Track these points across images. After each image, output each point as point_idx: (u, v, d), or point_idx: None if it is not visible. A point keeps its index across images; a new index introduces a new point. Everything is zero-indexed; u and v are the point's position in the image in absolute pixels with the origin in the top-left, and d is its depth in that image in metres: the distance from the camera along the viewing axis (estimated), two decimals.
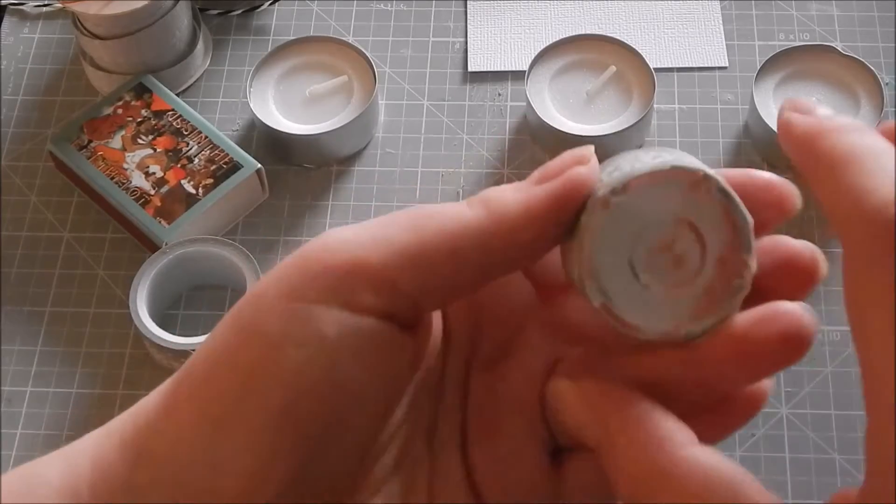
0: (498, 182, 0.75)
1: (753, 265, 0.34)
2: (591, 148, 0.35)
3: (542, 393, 0.37)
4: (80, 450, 0.36)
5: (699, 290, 0.34)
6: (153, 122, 0.74)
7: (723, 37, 0.81)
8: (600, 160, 0.36)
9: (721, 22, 0.81)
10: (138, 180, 0.72)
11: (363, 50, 0.77)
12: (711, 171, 0.34)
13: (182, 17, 0.78)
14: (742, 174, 0.35)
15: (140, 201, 0.71)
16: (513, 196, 0.34)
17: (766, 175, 0.35)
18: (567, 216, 0.34)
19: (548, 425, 0.37)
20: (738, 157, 0.75)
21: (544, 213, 0.34)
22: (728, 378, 0.34)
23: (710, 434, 0.34)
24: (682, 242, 0.34)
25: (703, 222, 0.34)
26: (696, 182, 0.34)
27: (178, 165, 0.72)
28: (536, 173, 0.35)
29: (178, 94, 0.78)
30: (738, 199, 0.34)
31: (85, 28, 0.77)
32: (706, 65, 0.79)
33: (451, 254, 0.34)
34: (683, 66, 0.79)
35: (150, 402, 0.35)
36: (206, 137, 0.73)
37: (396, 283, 0.33)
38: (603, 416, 0.34)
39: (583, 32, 0.78)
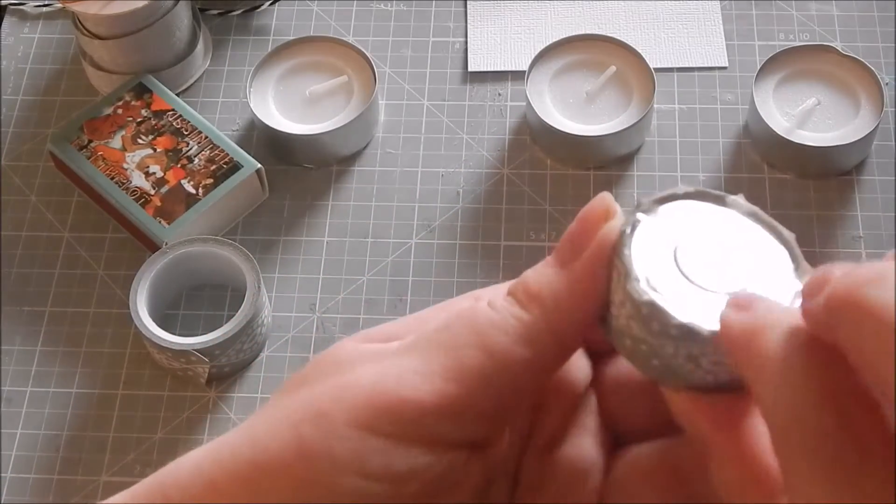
0: (498, 182, 0.75)
1: (802, 281, 0.32)
2: (609, 196, 0.34)
3: (597, 488, 0.36)
4: None
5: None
6: (153, 122, 0.74)
7: (723, 37, 0.80)
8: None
9: (721, 22, 0.81)
10: (138, 180, 0.72)
11: (363, 50, 0.77)
12: (742, 198, 0.33)
13: (182, 17, 0.78)
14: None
15: (140, 201, 0.71)
16: (559, 284, 0.33)
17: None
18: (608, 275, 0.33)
19: None
20: (738, 157, 0.75)
21: (594, 288, 0.33)
22: None
23: None
24: (715, 262, 0.32)
25: (739, 243, 0.33)
26: (721, 205, 0.33)
27: (178, 165, 0.72)
28: (566, 244, 0.34)
29: (178, 94, 0.78)
30: (765, 215, 0.33)
31: (85, 28, 0.77)
32: (706, 65, 0.79)
33: (527, 366, 0.33)
34: (683, 66, 0.79)
35: (181, 477, 0.34)
36: (206, 137, 0.73)
37: (480, 412, 0.33)
38: (717, 424, 0.32)
39: (583, 32, 0.78)
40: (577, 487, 0.36)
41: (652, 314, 0.32)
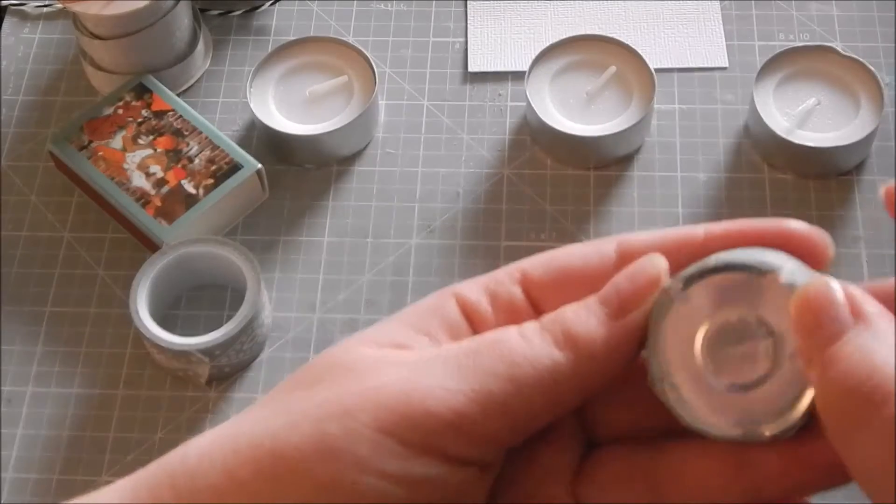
0: (498, 182, 0.75)
1: None
2: (664, 263, 0.35)
3: (569, 484, 0.37)
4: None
5: (773, 388, 0.32)
6: (153, 123, 0.74)
7: (723, 37, 0.80)
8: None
9: (721, 22, 0.81)
10: (138, 180, 0.72)
11: (363, 50, 0.77)
12: (778, 264, 0.33)
13: (182, 18, 0.78)
14: (775, 225, 0.35)
15: (140, 201, 0.71)
16: (598, 333, 0.35)
17: (799, 225, 0.35)
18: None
19: None
20: (739, 158, 0.75)
21: (630, 346, 0.35)
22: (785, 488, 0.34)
23: None
24: (752, 339, 0.33)
25: (772, 317, 0.33)
26: (759, 279, 0.33)
27: (179, 165, 0.72)
28: (613, 296, 0.35)
29: (178, 95, 0.78)
30: (801, 287, 0.33)
31: (85, 28, 0.77)
32: (706, 65, 0.79)
33: (551, 404, 0.34)
34: (683, 66, 0.79)
35: (191, 465, 0.34)
36: (207, 137, 0.73)
37: (496, 437, 0.34)
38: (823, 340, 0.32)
39: (583, 32, 0.78)
40: (550, 482, 0.37)
41: (674, 411, 0.34)
